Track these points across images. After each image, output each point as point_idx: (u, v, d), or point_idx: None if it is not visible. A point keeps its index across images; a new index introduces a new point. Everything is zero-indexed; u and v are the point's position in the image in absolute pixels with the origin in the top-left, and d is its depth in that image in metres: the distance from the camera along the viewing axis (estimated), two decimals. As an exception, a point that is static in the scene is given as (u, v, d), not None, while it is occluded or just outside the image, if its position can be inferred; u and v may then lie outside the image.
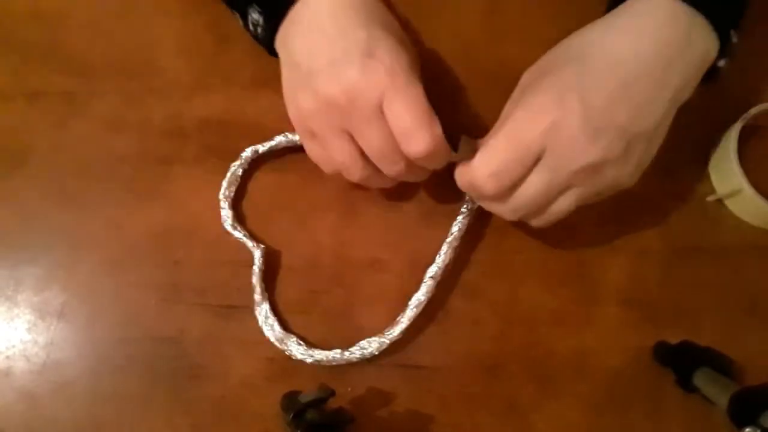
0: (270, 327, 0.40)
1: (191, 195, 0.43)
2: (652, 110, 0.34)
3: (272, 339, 0.40)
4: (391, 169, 0.36)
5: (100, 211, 0.43)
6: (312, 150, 0.38)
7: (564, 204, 0.36)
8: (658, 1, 0.34)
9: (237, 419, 0.39)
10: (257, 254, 0.41)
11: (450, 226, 0.42)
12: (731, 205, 0.44)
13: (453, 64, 0.46)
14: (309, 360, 0.39)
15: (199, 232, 0.42)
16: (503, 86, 0.45)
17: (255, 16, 0.39)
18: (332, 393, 0.35)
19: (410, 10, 0.47)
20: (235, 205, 0.43)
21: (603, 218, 0.43)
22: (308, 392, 0.35)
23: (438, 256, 0.40)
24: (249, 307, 0.41)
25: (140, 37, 0.47)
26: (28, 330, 0.41)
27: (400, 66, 0.34)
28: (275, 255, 0.43)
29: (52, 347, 0.41)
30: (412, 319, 0.40)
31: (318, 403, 0.34)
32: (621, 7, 0.36)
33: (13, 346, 0.41)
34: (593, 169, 0.33)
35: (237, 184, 0.43)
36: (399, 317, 0.40)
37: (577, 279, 0.42)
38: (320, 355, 0.39)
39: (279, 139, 0.43)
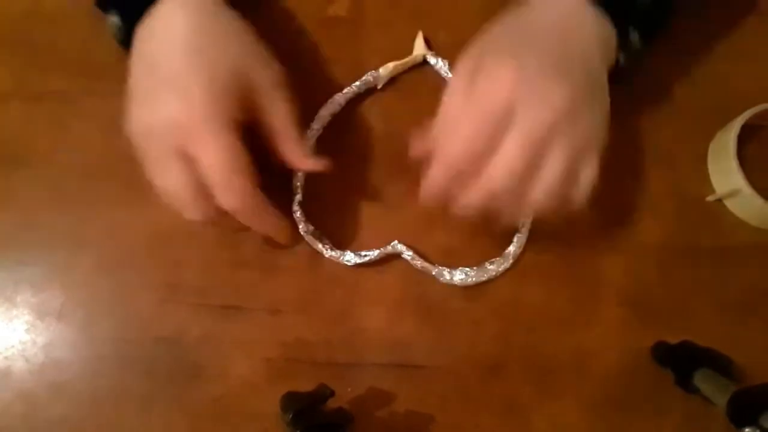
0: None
1: (191, 195, 0.43)
2: (578, 64, 0.35)
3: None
4: (196, 213, 0.35)
5: (100, 211, 0.43)
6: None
7: (554, 168, 0.33)
8: None
9: (236, 419, 0.39)
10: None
11: (446, 225, 0.42)
12: (731, 205, 0.44)
13: (452, 64, 0.46)
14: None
15: (199, 232, 0.42)
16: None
17: (113, 20, 0.39)
18: (332, 393, 0.35)
19: (409, 10, 0.48)
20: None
21: (603, 218, 0.43)
22: (308, 392, 0.35)
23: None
24: (248, 308, 0.41)
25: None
26: (27, 330, 0.41)
27: (213, 108, 0.34)
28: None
29: (51, 347, 0.40)
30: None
31: (318, 403, 0.34)
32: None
33: (12, 347, 0.41)
34: (569, 113, 0.32)
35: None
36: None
37: (577, 279, 0.42)
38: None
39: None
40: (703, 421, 0.39)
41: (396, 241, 0.41)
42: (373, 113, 0.45)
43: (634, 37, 0.38)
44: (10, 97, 0.45)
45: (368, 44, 0.47)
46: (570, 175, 0.33)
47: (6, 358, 0.40)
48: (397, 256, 0.42)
